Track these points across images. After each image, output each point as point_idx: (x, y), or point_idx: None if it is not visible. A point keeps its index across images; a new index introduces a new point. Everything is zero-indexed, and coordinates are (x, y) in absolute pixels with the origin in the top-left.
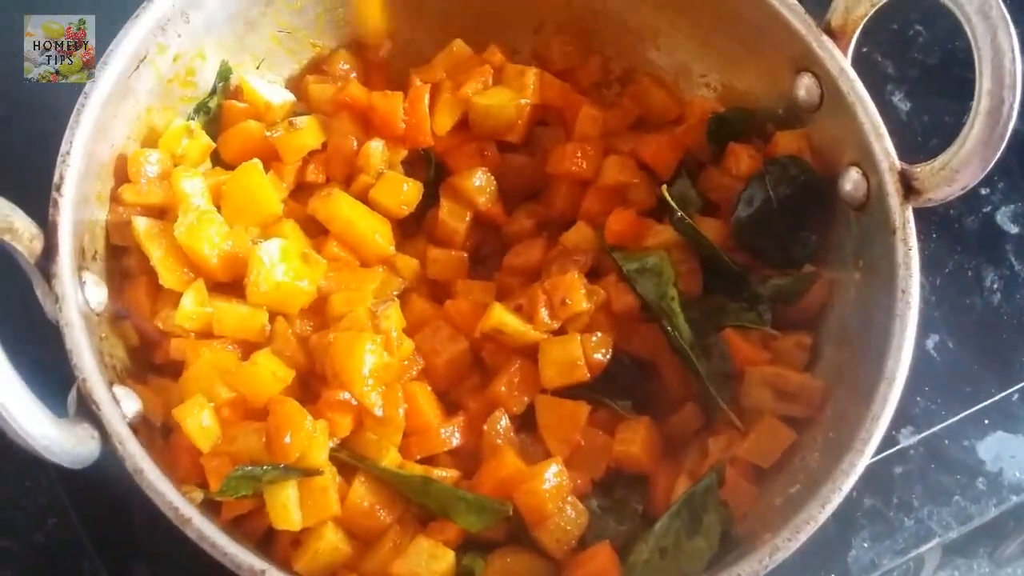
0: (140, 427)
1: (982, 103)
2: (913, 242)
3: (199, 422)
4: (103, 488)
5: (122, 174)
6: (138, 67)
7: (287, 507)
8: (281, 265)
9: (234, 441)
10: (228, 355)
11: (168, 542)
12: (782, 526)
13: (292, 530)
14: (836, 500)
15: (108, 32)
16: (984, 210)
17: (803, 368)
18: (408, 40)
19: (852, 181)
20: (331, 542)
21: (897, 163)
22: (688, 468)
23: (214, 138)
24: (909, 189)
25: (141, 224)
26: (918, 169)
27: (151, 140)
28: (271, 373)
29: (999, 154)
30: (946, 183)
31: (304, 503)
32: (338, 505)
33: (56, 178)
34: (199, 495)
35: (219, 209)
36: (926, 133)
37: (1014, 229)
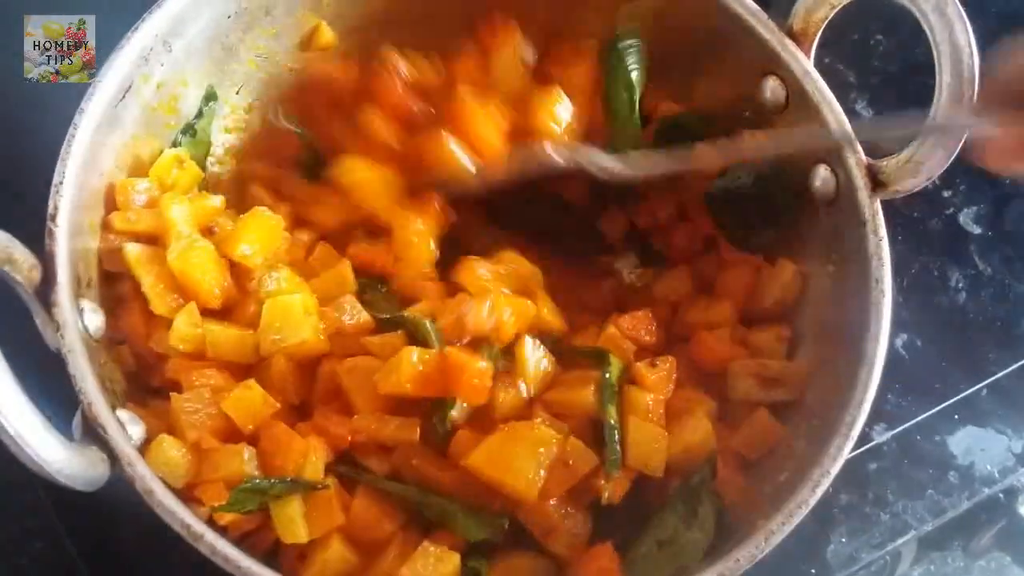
0: (144, 448)
1: (943, 96)
2: (883, 233)
3: (166, 464)
4: (94, 509)
5: (112, 203)
6: (124, 96)
7: (294, 520)
8: (308, 320)
9: (218, 468)
10: (222, 378)
11: (159, 561)
12: (775, 511)
13: (300, 543)
14: (826, 483)
15: (108, 32)
16: (947, 212)
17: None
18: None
19: (821, 178)
20: (338, 552)
21: (864, 158)
22: None
23: (200, 159)
24: (876, 182)
25: (133, 251)
26: (884, 163)
27: (137, 168)
28: (263, 398)
29: (960, 145)
30: (911, 175)
31: (310, 516)
32: (343, 517)
33: (51, 208)
34: (206, 510)
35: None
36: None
37: (976, 230)
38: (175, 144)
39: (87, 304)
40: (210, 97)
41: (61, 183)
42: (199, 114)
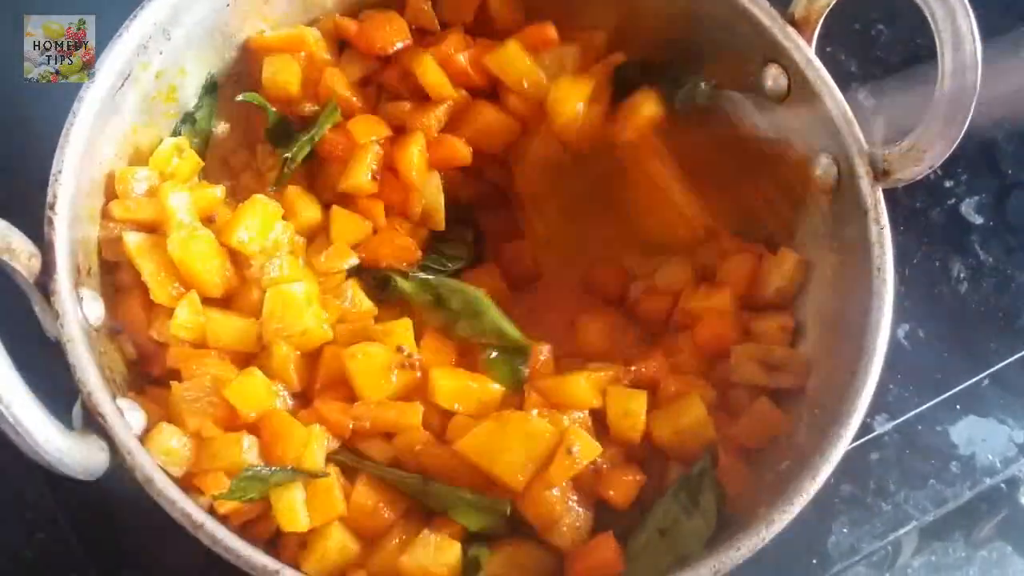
0: (144, 437)
1: (945, 84)
2: (885, 221)
3: (166, 453)
4: (97, 501)
5: (111, 192)
6: (123, 85)
7: (294, 509)
8: (309, 309)
9: (217, 456)
10: (223, 367)
11: (161, 552)
12: (776, 500)
13: (300, 531)
14: (826, 472)
15: (108, 32)
16: (949, 202)
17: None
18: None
19: (822, 166)
20: (339, 541)
21: (866, 147)
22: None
23: (199, 148)
24: (878, 171)
25: (132, 239)
26: (886, 151)
27: (136, 158)
28: (266, 386)
29: (963, 133)
30: (914, 163)
31: (310, 504)
32: (343, 505)
33: (49, 197)
34: (206, 499)
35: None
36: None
37: (979, 220)
38: (175, 134)
39: (87, 293)
40: (210, 87)
41: (60, 172)
42: (199, 104)
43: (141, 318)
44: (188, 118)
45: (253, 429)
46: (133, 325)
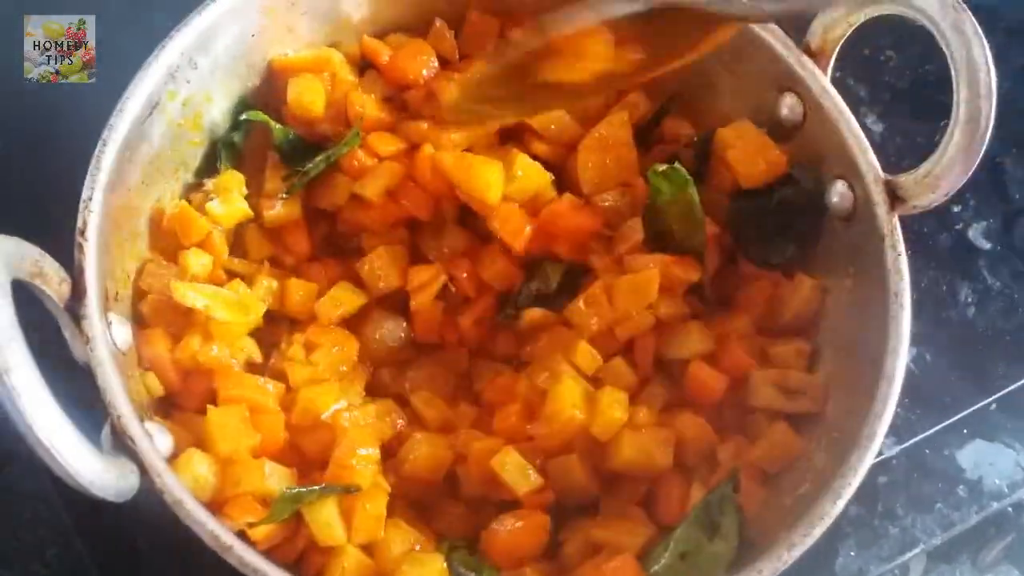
0: (172, 461)
1: (960, 112)
2: (901, 248)
3: (195, 479)
4: (107, 517)
5: (143, 220)
6: (151, 113)
7: (330, 524)
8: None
9: (240, 482)
10: (263, 392)
11: (171, 568)
12: (796, 523)
13: (338, 545)
14: (847, 495)
15: (108, 32)
16: (957, 227)
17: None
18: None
19: (838, 193)
20: (354, 558)
21: (881, 174)
22: (700, 476)
23: (235, 167)
24: (895, 198)
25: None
26: (902, 179)
27: (161, 182)
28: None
29: (978, 161)
30: (930, 190)
31: (346, 518)
32: (383, 520)
33: (80, 223)
34: (236, 524)
35: None
36: (899, 153)
37: (986, 245)
38: (216, 157)
39: (115, 318)
40: (239, 110)
41: (90, 199)
42: (235, 126)
43: (164, 352)
44: (225, 143)
45: (288, 450)
46: (157, 357)
